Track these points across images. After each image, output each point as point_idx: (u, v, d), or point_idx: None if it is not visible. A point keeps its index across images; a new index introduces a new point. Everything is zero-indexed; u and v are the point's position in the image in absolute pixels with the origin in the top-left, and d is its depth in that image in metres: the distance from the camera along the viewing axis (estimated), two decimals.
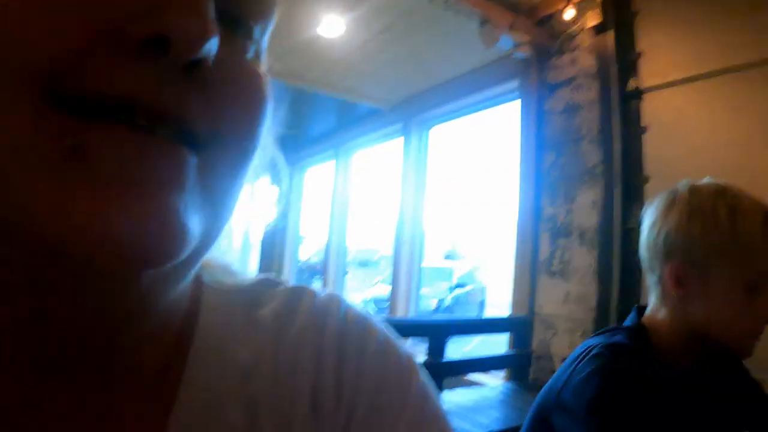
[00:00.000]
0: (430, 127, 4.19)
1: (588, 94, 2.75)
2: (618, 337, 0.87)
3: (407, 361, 0.40)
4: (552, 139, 2.90)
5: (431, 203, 4.18)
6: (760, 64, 2.16)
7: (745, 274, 0.81)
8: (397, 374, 0.38)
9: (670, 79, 2.48)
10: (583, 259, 2.68)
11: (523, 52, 3.05)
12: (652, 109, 2.56)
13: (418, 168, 4.16)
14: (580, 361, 0.83)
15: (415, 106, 4.15)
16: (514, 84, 3.24)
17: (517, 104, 3.19)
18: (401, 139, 4.28)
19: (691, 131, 2.40)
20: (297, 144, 6.08)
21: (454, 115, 3.99)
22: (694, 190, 0.86)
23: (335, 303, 0.40)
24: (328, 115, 5.29)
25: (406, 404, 0.37)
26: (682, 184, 0.89)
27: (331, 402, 0.35)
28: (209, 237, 0.29)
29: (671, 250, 0.85)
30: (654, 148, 2.53)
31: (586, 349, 0.85)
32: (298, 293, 0.40)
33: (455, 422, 1.99)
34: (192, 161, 0.26)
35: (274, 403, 0.34)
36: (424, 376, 0.40)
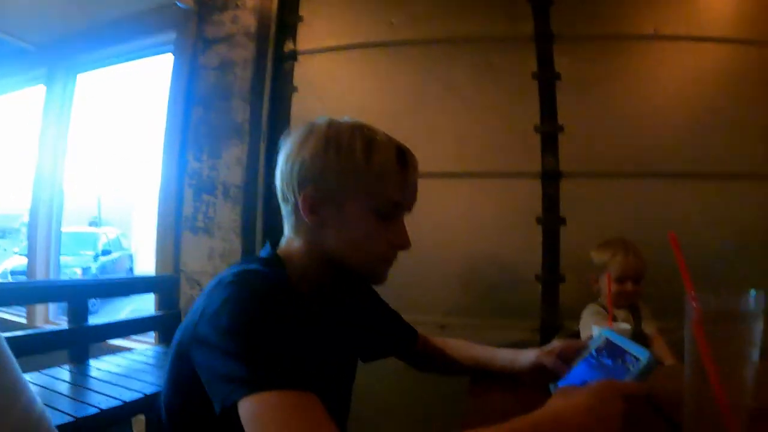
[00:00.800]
0: (77, 74, 3.66)
1: (244, 52, 2.72)
2: (252, 266, 0.83)
3: None
4: (203, 95, 2.78)
5: (74, 161, 3.64)
6: (406, 43, 2.47)
7: (378, 202, 0.84)
8: None
9: (325, 45, 2.62)
10: (228, 215, 2.61)
11: (185, 3, 2.88)
12: (304, 71, 2.64)
13: (61, 120, 3.60)
14: (213, 292, 0.78)
15: (63, 48, 3.57)
16: (171, 35, 3.03)
17: (170, 56, 2.98)
18: (44, 87, 3.64)
19: (338, 94, 2.56)
20: None
21: (107, 62, 3.56)
22: (332, 123, 0.87)
23: None
24: None
25: None
26: (320, 118, 0.89)
27: None
28: None
29: (306, 178, 0.84)
30: (302, 108, 2.62)
31: (219, 279, 0.80)
32: None
33: (106, 391, 1.79)
34: None
35: None
36: None
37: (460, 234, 2.33)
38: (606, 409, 0.64)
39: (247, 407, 0.63)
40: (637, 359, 0.77)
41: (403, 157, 0.88)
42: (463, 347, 1.19)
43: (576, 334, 1.85)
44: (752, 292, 0.62)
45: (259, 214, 2.56)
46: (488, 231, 2.33)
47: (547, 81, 2.37)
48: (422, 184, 2.44)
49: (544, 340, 2.11)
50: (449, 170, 2.33)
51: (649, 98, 2.40)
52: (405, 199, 0.89)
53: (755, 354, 0.63)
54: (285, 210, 0.91)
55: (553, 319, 2.27)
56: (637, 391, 0.69)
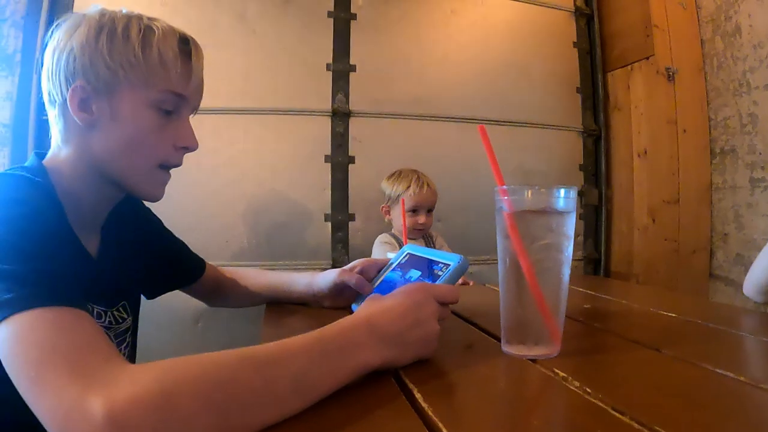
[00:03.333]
0: None
1: None
2: (9, 171, 0.69)
3: None
4: None
5: None
6: None
7: (158, 94, 0.75)
8: None
9: None
10: None
11: None
12: None
13: None
14: None
15: None
16: None
17: None
18: None
19: None
20: None
21: None
22: (105, 11, 0.76)
23: None
24: None
25: None
26: (93, 7, 0.77)
27: None
28: None
29: (75, 70, 0.72)
30: None
31: None
32: None
33: None
34: None
35: None
36: None
37: (247, 173, 2.23)
38: (420, 311, 0.59)
39: (1, 334, 0.48)
40: (447, 264, 0.74)
41: (186, 44, 0.79)
42: (256, 275, 1.10)
43: None
44: (562, 188, 0.59)
45: (31, 155, 2.29)
46: (277, 170, 2.25)
47: (342, 20, 2.33)
48: (208, 120, 2.29)
49: None
50: (237, 106, 2.22)
51: (440, 46, 2.46)
52: (189, 93, 0.79)
53: (568, 246, 0.60)
54: (52, 115, 0.77)
55: (344, 258, 2.23)
56: (450, 294, 0.64)
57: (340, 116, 2.27)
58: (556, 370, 0.56)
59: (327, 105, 2.28)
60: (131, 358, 0.91)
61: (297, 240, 2.24)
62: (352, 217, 2.27)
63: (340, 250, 2.26)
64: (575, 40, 2.64)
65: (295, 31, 2.32)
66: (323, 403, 0.48)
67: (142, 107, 0.75)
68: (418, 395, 0.50)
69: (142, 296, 0.99)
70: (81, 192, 0.76)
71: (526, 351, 0.61)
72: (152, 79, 0.74)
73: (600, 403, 0.47)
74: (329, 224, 2.26)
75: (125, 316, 0.86)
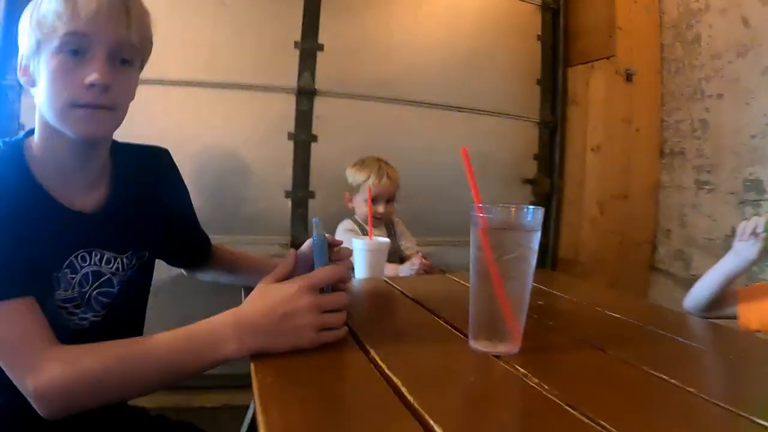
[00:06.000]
0: None
1: None
2: None
3: None
4: None
5: None
6: None
7: (58, 40, 0.76)
8: None
9: None
10: None
11: None
12: None
13: None
14: None
15: None
16: None
17: None
18: None
19: None
20: None
21: None
22: None
23: None
24: None
25: None
26: None
27: None
28: None
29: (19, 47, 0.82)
30: None
31: None
32: None
33: None
34: None
35: None
36: None
37: (210, 147, 2.20)
38: (291, 304, 0.66)
39: None
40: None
41: None
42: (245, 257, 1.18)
43: None
44: (530, 207, 0.66)
45: None
46: (240, 145, 2.23)
47: None
48: (174, 93, 2.22)
49: None
50: (202, 80, 2.17)
51: (409, 30, 2.47)
52: (79, 28, 0.78)
53: (533, 259, 0.66)
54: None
55: (303, 234, 2.25)
56: (324, 279, 0.70)
57: (306, 94, 2.27)
58: (517, 367, 0.62)
59: (293, 82, 2.27)
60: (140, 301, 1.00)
61: (257, 215, 2.25)
62: (312, 195, 2.29)
63: (300, 226, 2.28)
64: (539, 33, 2.70)
65: (265, 6, 2.28)
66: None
67: (55, 56, 0.77)
68: (403, 389, 0.54)
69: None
70: (52, 152, 0.82)
71: (491, 348, 0.67)
72: (48, 28, 0.77)
73: (555, 399, 0.53)
74: (290, 201, 2.27)
75: (134, 262, 0.92)
